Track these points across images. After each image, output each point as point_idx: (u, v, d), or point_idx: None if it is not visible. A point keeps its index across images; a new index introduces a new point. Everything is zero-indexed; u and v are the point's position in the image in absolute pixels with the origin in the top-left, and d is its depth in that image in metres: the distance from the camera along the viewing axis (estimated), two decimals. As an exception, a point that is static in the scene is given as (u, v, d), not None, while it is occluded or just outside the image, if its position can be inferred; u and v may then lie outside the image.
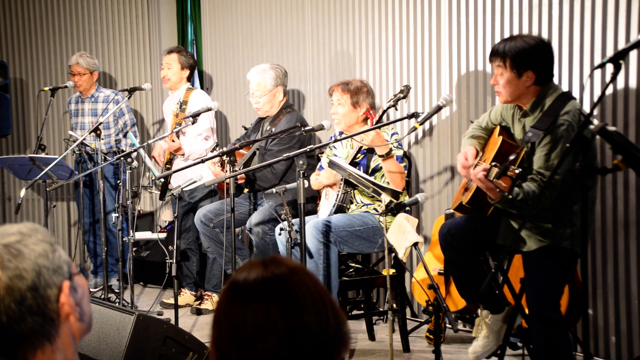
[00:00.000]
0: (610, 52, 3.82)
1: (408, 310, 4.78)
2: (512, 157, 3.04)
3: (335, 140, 4.32)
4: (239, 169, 4.64)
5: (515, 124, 3.41)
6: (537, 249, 3.24)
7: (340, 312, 1.37)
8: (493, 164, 3.09)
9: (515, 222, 3.34)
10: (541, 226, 3.22)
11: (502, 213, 3.36)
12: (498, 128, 3.50)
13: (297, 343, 1.29)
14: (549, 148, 3.14)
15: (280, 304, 1.31)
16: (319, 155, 4.77)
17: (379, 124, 4.01)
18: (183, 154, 5.30)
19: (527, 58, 3.23)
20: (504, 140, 3.34)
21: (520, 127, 3.35)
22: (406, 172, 4.27)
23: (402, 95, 4.04)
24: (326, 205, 4.42)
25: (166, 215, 6.36)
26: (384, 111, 4.12)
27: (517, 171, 2.93)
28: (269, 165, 4.58)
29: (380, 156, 4.12)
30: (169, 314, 4.81)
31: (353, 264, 4.43)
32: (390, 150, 4.10)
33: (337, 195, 4.29)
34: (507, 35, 4.25)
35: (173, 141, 5.20)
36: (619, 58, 2.31)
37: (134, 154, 4.70)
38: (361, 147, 4.24)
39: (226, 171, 4.52)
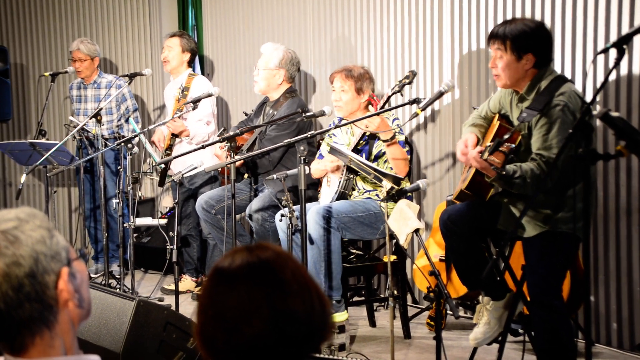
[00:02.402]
0: (613, 37, 3.79)
1: (409, 297, 4.78)
2: (506, 136, 3.05)
3: (336, 127, 4.30)
4: (243, 154, 4.64)
5: (513, 110, 3.39)
6: (537, 235, 3.23)
7: (325, 298, 1.37)
8: (489, 144, 3.09)
9: (515, 208, 3.32)
10: (541, 212, 3.21)
11: (503, 197, 3.35)
12: (497, 115, 3.49)
13: (282, 328, 1.29)
14: (546, 129, 3.13)
15: (266, 288, 1.31)
16: (319, 141, 4.75)
17: (380, 110, 3.99)
18: (188, 135, 5.28)
19: (528, 41, 3.21)
20: (501, 125, 3.34)
21: (518, 112, 3.34)
22: (409, 157, 4.25)
23: (407, 80, 3.99)
24: (328, 191, 4.41)
25: (167, 201, 6.35)
26: (389, 97, 4.08)
27: (511, 146, 2.94)
28: (267, 153, 4.56)
29: (384, 141, 4.10)
30: (169, 300, 4.82)
31: (354, 251, 4.43)
32: (394, 135, 4.09)
33: (340, 181, 4.28)
34: (509, 20, 4.22)
35: (174, 121, 5.17)
36: (623, 43, 2.29)
37: (135, 140, 4.67)
38: (364, 134, 4.22)
39: (227, 157, 4.50)
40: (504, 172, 3.04)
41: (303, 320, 1.31)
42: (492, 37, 3.30)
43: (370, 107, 4.38)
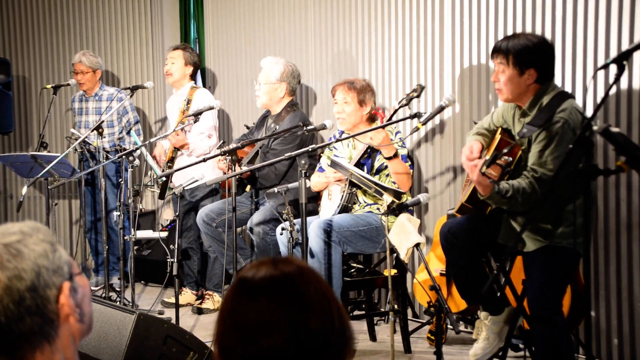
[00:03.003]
0: (613, 53, 3.81)
1: (409, 311, 4.77)
2: (505, 150, 3.06)
3: (337, 140, 4.31)
4: (244, 166, 4.65)
5: (515, 124, 3.40)
6: (537, 250, 3.23)
7: (345, 314, 1.38)
8: (486, 157, 3.10)
9: (516, 223, 3.33)
10: (540, 227, 3.21)
11: (503, 212, 3.36)
12: (499, 129, 3.49)
13: (300, 342, 1.30)
14: (543, 145, 3.14)
15: (286, 302, 1.32)
16: (320, 155, 4.76)
17: (382, 124, 4.00)
18: (188, 148, 5.30)
19: (530, 56, 3.22)
20: (502, 139, 3.35)
21: (520, 126, 3.35)
22: (412, 171, 4.26)
23: (415, 94, 4.01)
24: (329, 205, 4.41)
25: (167, 214, 6.35)
26: (396, 110, 4.09)
27: (508, 160, 2.95)
28: (272, 164, 4.58)
29: (386, 158, 4.10)
30: (169, 313, 4.81)
31: (354, 264, 4.42)
32: (397, 151, 4.09)
33: (342, 195, 4.28)
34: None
35: (177, 134, 5.19)
36: (623, 59, 2.30)
37: (136, 153, 4.69)
38: (368, 147, 4.22)
39: (228, 170, 4.51)
40: (504, 191, 3.06)
41: (322, 337, 1.32)
42: (495, 51, 3.31)
43: (378, 120, 4.38)
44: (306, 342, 1.30)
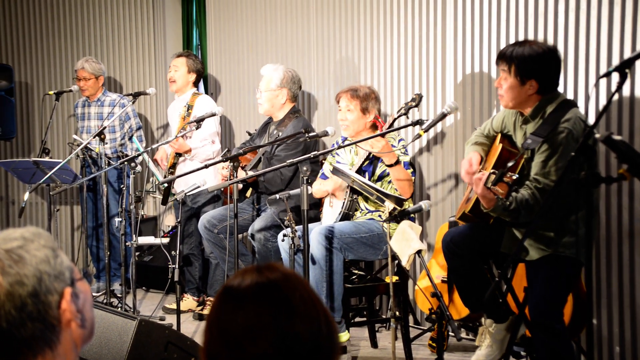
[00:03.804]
0: (616, 61, 3.81)
1: (411, 318, 4.76)
2: (510, 164, 3.05)
3: (339, 147, 4.31)
4: (249, 172, 4.66)
5: (517, 131, 3.40)
6: (539, 258, 3.23)
7: (332, 320, 1.37)
8: (492, 171, 3.10)
9: (518, 231, 3.32)
10: (544, 235, 3.21)
11: (506, 222, 3.35)
12: (499, 136, 3.49)
13: (287, 348, 1.29)
14: (547, 155, 3.13)
15: (273, 309, 1.31)
16: (323, 161, 4.76)
17: (385, 131, 4.00)
18: (191, 152, 5.30)
19: (532, 67, 3.20)
20: (503, 148, 3.34)
21: (522, 133, 3.34)
22: (413, 178, 4.26)
23: (414, 103, 4.03)
24: (331, 212, 4.41)
25: (169, 220, 6.35)
26: (395, 119, 4.10)
27: (514, 177, 2.94)
28: (277, 170, 4.58)
29: (388, 166, 4.11)
30: (171, 319, 4.80)
31: (356, 271, 4.42)
32: (398, 159, 4.10)
33: (344, 202, 4.28)
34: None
35: (177, 141, 5.19)
36: (625, 67, 2.30)
37: (138, 159, 4.69)
38: (370, 154, 4.23)
39: (229, 177, 4.51)
40: (507, 203, 3.06)
41: (309, 342, 1.31)
42: (500, 57, 3.31)
43: (378, 129, 4.39)
44: (293, 348, 1.29)
